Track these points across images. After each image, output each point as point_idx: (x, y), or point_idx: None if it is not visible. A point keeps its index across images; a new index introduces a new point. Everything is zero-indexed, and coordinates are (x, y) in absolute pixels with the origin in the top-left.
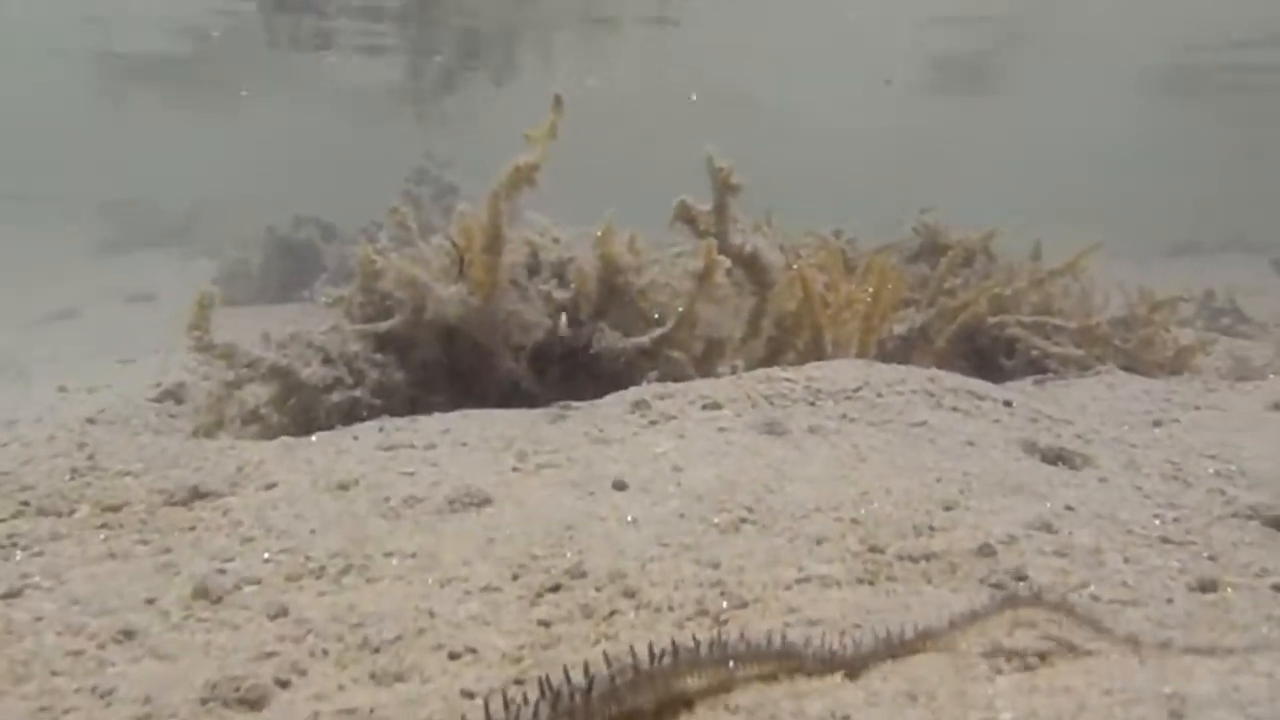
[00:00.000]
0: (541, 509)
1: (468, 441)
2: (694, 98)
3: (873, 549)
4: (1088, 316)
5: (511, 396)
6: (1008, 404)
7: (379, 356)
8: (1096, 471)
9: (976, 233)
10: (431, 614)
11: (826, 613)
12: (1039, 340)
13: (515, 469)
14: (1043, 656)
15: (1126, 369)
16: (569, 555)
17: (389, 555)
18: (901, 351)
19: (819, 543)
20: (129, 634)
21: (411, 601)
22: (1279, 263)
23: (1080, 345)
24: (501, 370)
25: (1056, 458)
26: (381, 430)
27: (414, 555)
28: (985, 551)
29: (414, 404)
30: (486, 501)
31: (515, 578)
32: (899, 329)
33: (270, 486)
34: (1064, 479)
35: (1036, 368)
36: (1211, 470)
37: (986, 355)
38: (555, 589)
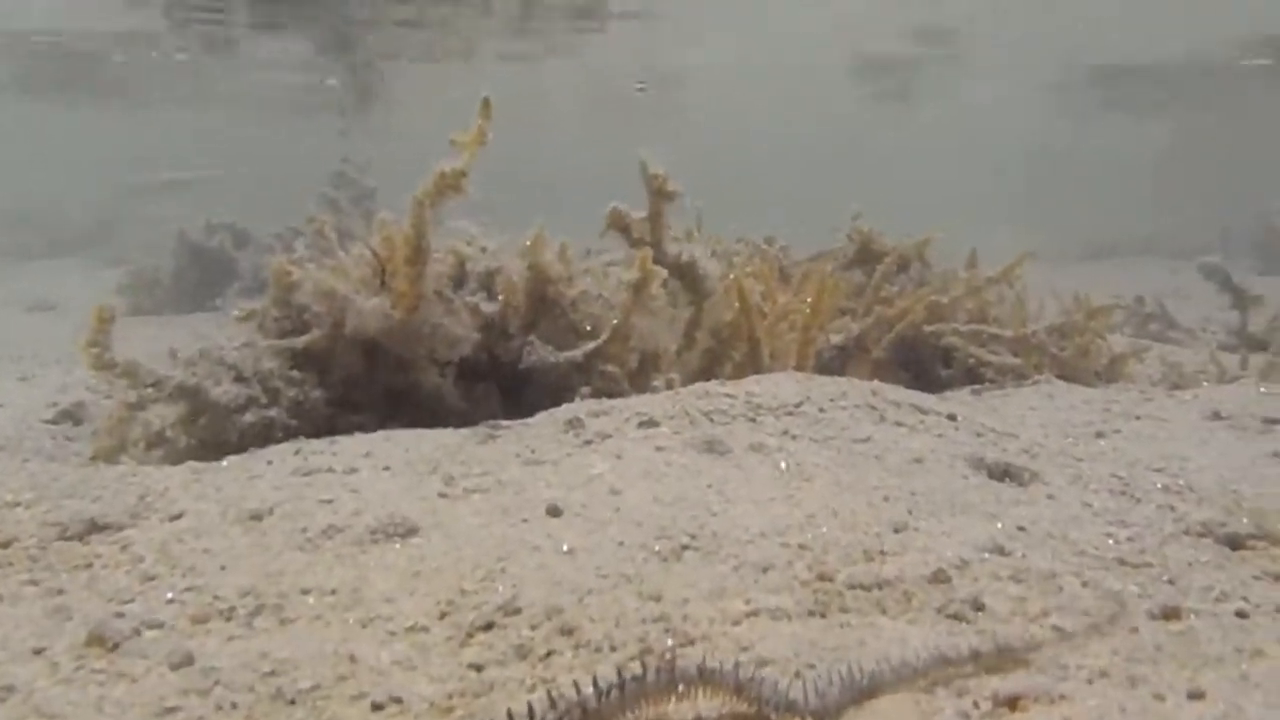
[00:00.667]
0: (471, 538)
1: (391, 465)
2: (641, 86)
3: (822, 577)
4: (1023, 324)
5: (438, 414)
6: (952, 418)
7: (295, 374)
8: (1044, 488)
9: (911, 239)
10: (352, 659)
11: (778, 650)
12: (976, 349)
13: (442, 494)
14: (1013, 703)
15: (1063, 377)
16: (501, 589)
17: (306, 593)
18: (838, 362)
19: (765, 570)
20: (9, 690)
21: (330, 645)
22: (1207, 266)
23: (1017, 354)
24: (426, 387)
25: (1004, 473)
26: (298, 453)
27: (333, 592)
28: (939, 578)
29: (333, 424)
30: (412, 531)
31: (444, 616)
32: (835, 339)
33: (175, 517)
34: (1013, 496)
35: (974, 377)
36: (1159, 485)
37: (924, 364)
38: (487, 627)
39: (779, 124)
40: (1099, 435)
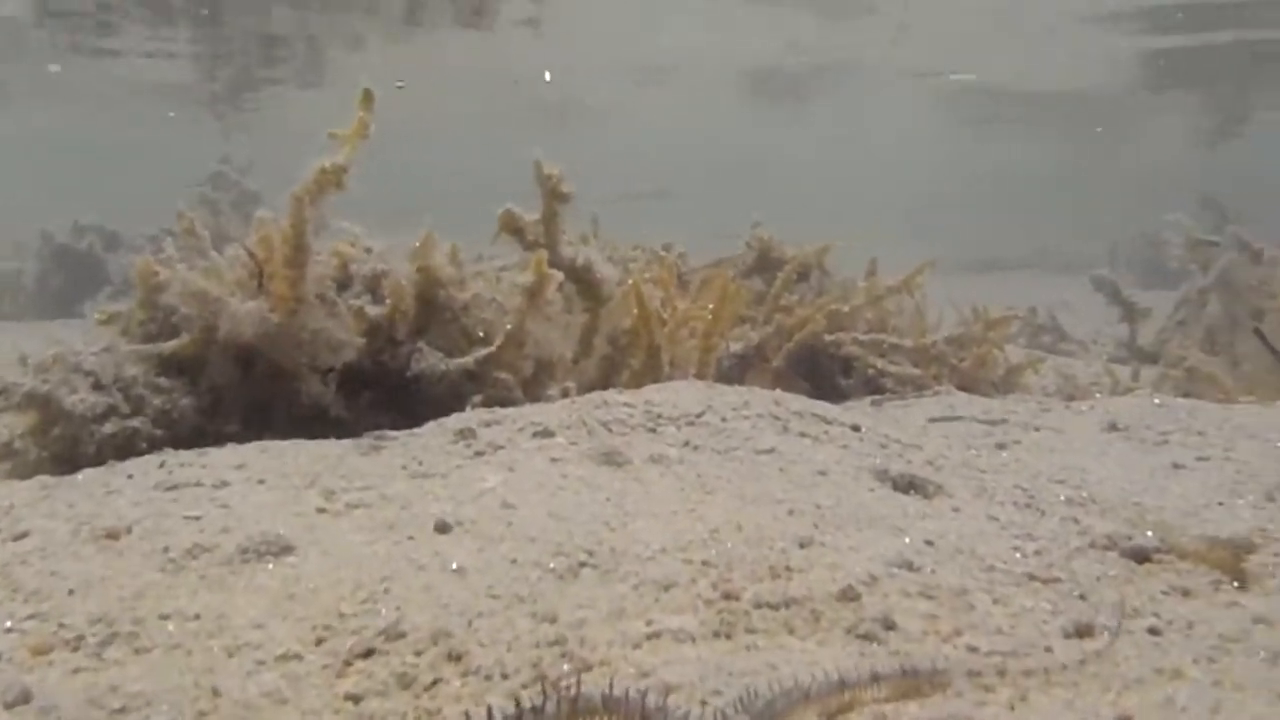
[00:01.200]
0: (352, 557)
1: (265, 478)
2: (548, 78)
3: (727, 595)
4: (923, 335)
5: (318, 425)
6: (856, 428)
7: (162, 381)
8: (950, 500)
9: (811, 247)
10: (215, 692)
11: (683, 675)
12: (876, 359)
13: (321, 510)
14: None
15: (962, 388)
16: (384, 612)
17: (165, 619)
18: (737, 371)
19: (667, 589)
20: None
21: (190, 676)
22: (1097, 279)
23: (917, 364)
24: (306, 396)
25: (909, 486)
26: (163, 466)
27: (197, 617)
28: (848, 595)
29: (203, 435)
30: (286, 549)
31: (320, 642)
32: (735, 347)
33: (20, 537)
34: (919, 509)
35: (873, 387)
36: (1062, 497)
37: (823, 374)
38: (367, 654)
39: (674, 133)
40: (1000, 446)
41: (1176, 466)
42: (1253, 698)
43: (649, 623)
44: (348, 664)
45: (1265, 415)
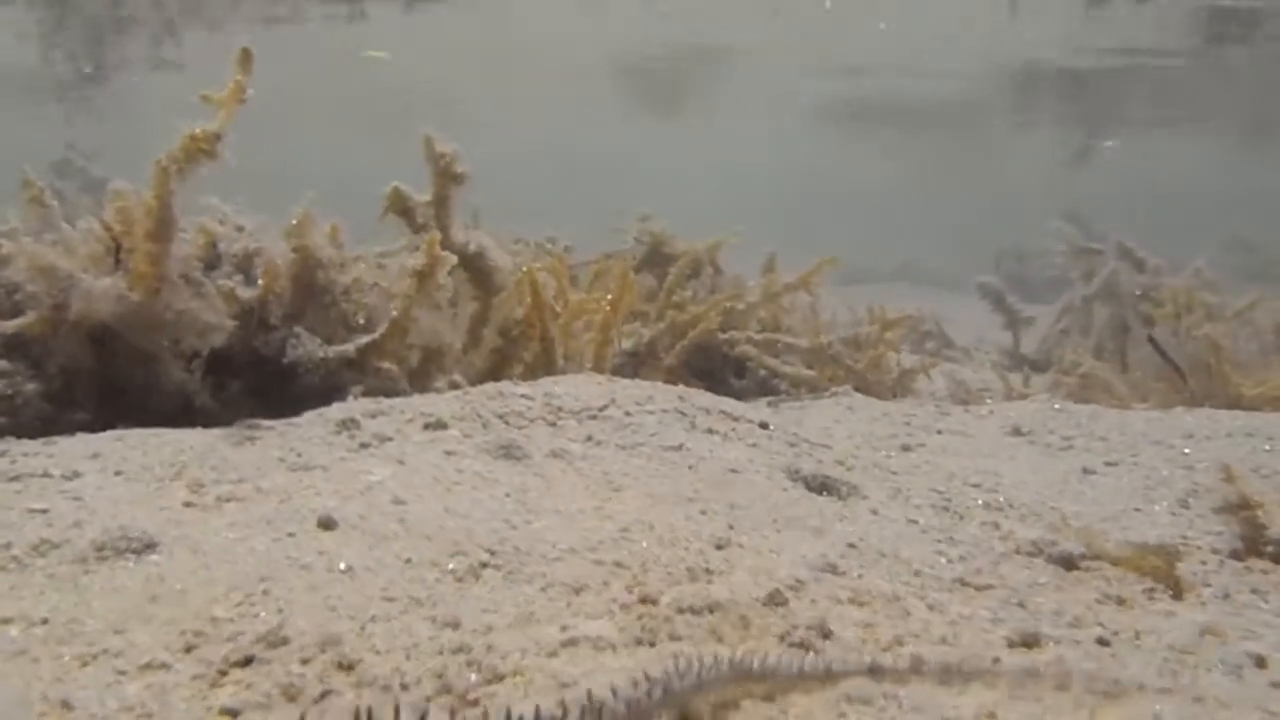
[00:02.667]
0: (225, 555)
1: (124, 470)
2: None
3: (644, 599)
4: (818, 335)
5: (182, 415)
6: (764, 426)
7: (3, 363)
8: (866, 502)
9: (703, 243)
10: (67, 705)
11: (608, 687)
12: (770, 359)
13: (189, 504)
14: None
15: (857, 390)
16: (263, 615)
17: (7, 623)
18: (629, 369)
19: (579, 592)
20: None
21: (37, 689)
22: (985, 286)
23: (811, 365)
24: (170, 383)
25: (821, 486)
26: (4, 455)
27: (44, 622)
28: (776, 600)
29: (52, 424)
30: (149, 546)
31: (190, 649)
32: (627, 345)
33: None
34: (836, 511)
35: (766, 388)
36: (980, 501)
37: (716, 374)
38: (245, 663)
39: (547, 130)
40: (905, 449)
41: (1087, 472)
42: (1236, 714)
43: (563, 628)
44: (223, 674)
45: (1165, 421)
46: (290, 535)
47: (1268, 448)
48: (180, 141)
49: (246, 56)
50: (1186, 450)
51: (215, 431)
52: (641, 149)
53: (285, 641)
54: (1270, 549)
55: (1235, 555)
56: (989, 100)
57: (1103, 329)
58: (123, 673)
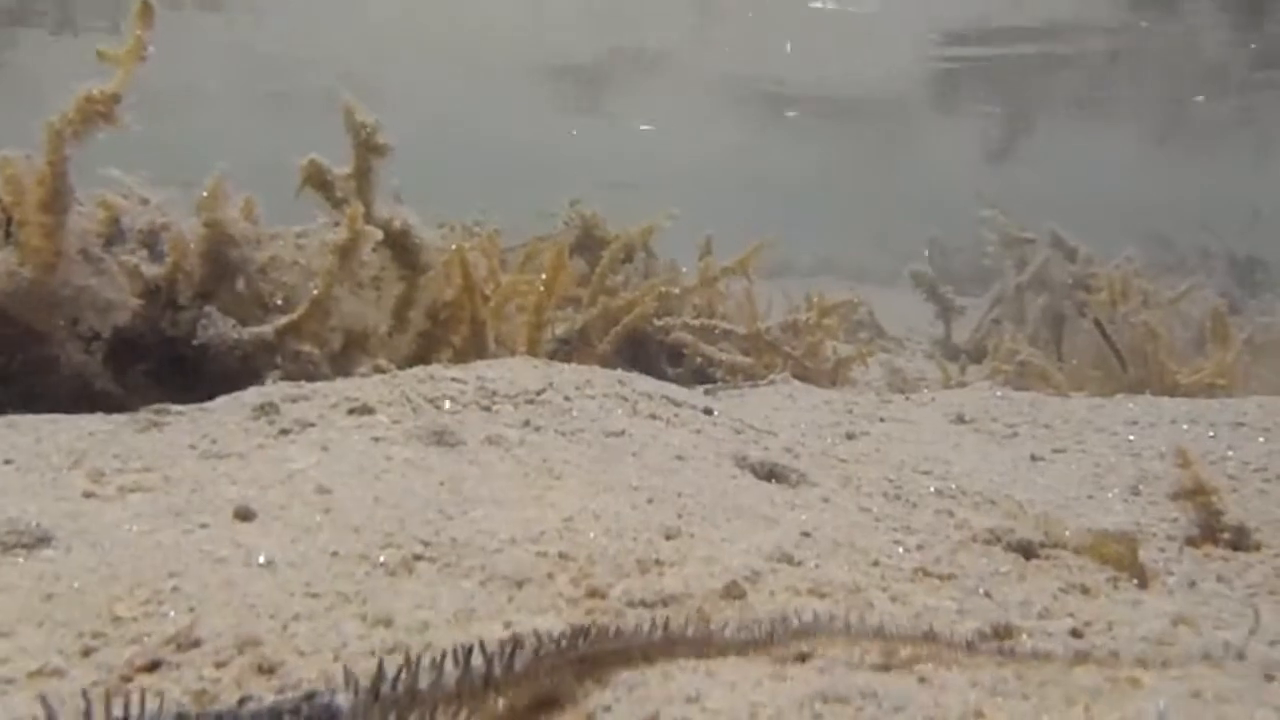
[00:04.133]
0: (129, 549)
1: (14, 458)
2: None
3: (593, 593)
4: (755, 321)
5: (81, 401)
6: (708, 412)
7: None
8: (816, 490)
9: (635, 227)
10: None
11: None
12: (706, 346)
13: (89, 494)
14: None
15: (796, 378)
16: (173, 615)
17: None
18: (560, 356)
19: (521, 585)
20: None
21: None
22: (918, 274)
23: (748, 352)
24: (67, 365)
25: (770, 474)
26: None
27: None
28: (733, 592)
29: None
30: (43, 540)
31: (88, 653)
32: (559, 331)
33: None
34: (786, 499)
35: (702, 376)
36: (931, 489)
37: (650, 361)
38: (153, 668)
39: (471, 121)
40: (850, 436)
41: (1035, 459)
42: (1242, 711)
43: (506, 625)
44: (126, 680)
45: (1106, 408)
46: (203, 527)
47: (1211, 434)
48: (74, 102)
49: (146, 10)
50: (1132, 437)
51: (118, 417)
52: (563, 142)
53: (197, 643)
54: (1226, 535)
55: (1191, 542)
56: (910, 93)
57: (1037, 318)
58: (10, 681)
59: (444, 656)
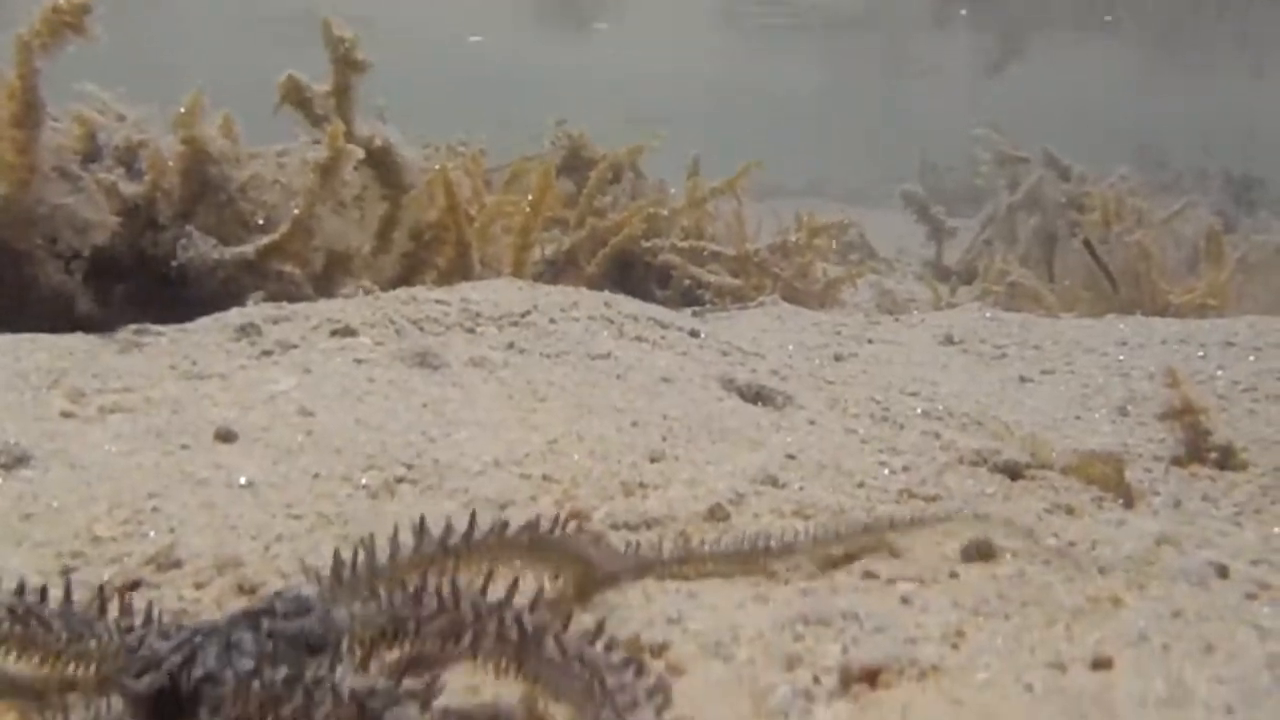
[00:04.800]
0: (109, 469)
1: None
2: None
3: (576, 515)
4: (744, 243)
5: (62, 321)
6: (695, 334)
7: None
8: (803, 412)
9: (623, 147)
10: None
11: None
12: (695, 268)
13: (68, 414)
14: (872, 678)
15: (785, 299)
16: (153, 535)
17: None
18: (548, 277)
19: (504, 508)
20: None
21: None
22: (909, 194)
23: (737, 274)
24: (46, 285)
25: (756, 396)
26: None
27: None
28: (716, 515)
29: None
30: (21, 460)
31: (67, 572)
32: (546, 252)
33: None
34: (772, 421)
35: (691, 298)
36: (918, 410)
37: (638, 284)
38: (133, 588)
39: (447, 40)
40: (838, 358)
41: (1024, 380)
42: (1223, 629)
43: None
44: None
45: (1096, 329)
46: (184, 448)
47: (1201, 354)
48: (41, 13)
49: None
50: (1121, 357)
51: (98, 337)
52: (546, 58)
53: (178, 564)
54: (1214, 455)
55: (1177, 462)
56: (905, 5)
57: (1029, 238)
58: None
59: (396, 533)
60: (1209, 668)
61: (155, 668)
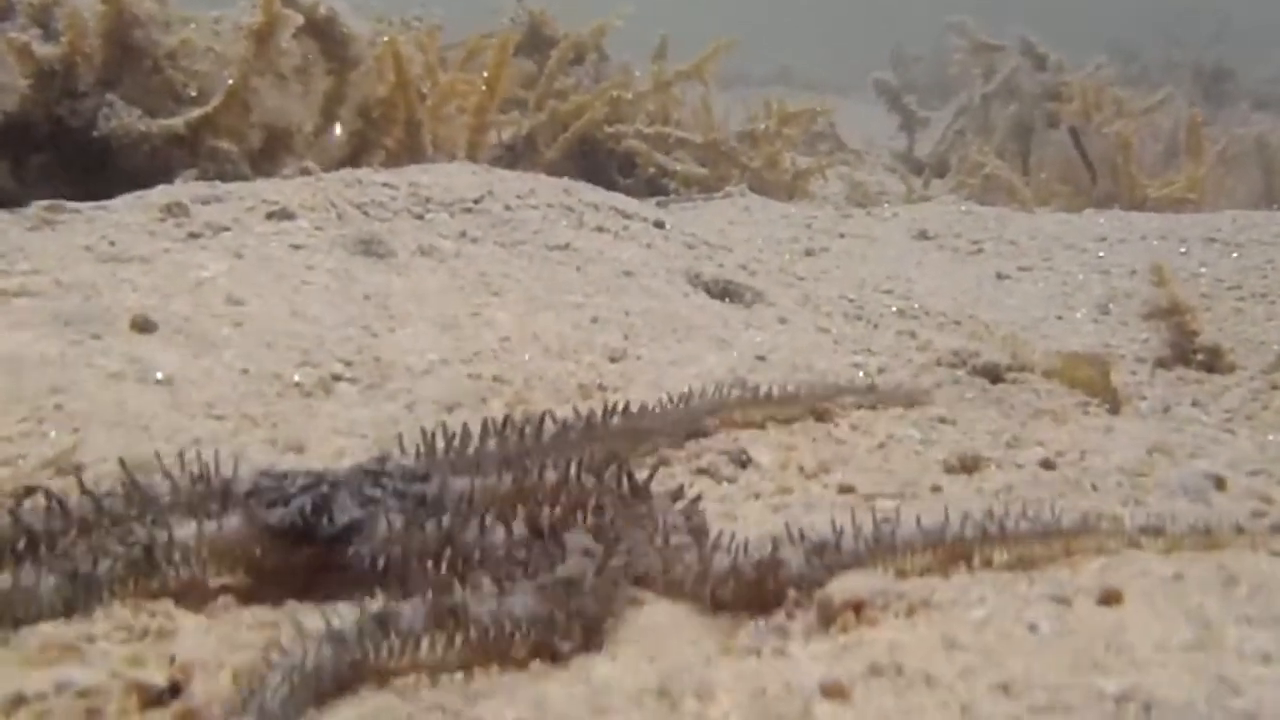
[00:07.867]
0: (9, 362)
1: None
2: None
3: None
4: (711, 130)
5: None
6: (659, 225)
7: None
8: (772, 310)
9: (587, 26)
10: None
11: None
12: (660, 156)
13: None
14: (858, 609)
15: (751, 190)
16: (54, 435)
17: None
18: (506, 163)
19: (451, 411)
20: None
21: None
22: (881, 83)
23: (704, 163)
24: None
25: (724, 292)
26: None
27: None
28: None
29: None
30: None
31: None
32: (504, 136)
33: None
34: (741, 319)
35: (655, 187)
36: (893, 309)
37: (600, 171)
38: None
39: None
40: (809, 253)
41: (1001, 277)
42: (1236, 557)
43: None
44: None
45: (1075, 224)
46: (95, 338)
47: (1183, 250)
48: None
49: None
50: (1101, 254)
51: (7, 213)
52: None
53: (79, 468)
54: (1201, 356)
55: (1163, 364)
56: None
57: (1004, 130)
58: None
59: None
60: (1234, 605)
61: (284, 504)
